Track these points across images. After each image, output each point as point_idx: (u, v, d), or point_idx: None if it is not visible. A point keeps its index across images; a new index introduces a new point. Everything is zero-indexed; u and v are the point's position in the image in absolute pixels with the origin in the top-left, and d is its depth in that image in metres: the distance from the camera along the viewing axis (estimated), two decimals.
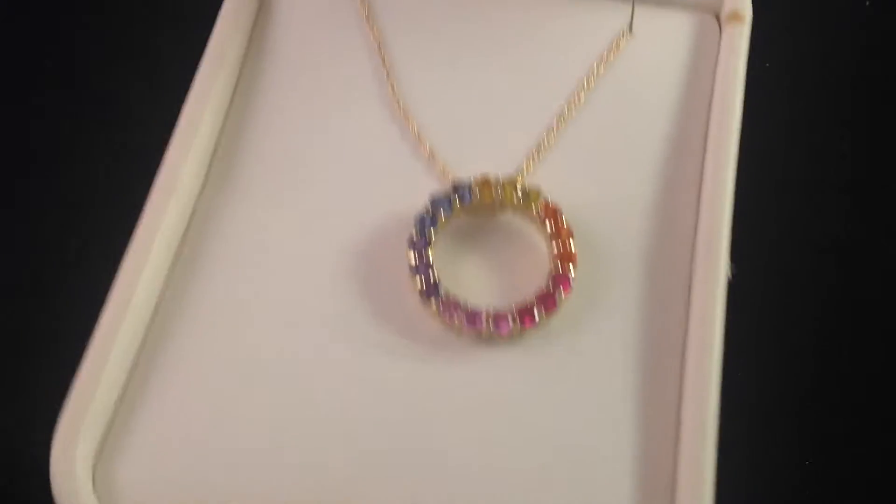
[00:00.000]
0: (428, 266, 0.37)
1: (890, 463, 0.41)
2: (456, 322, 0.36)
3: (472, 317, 0.36)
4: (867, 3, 0.52)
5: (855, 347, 0.44)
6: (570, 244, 0.37)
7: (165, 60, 0.50)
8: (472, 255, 0.38)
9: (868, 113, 0.50)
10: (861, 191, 0.48)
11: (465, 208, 0.38)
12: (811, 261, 0.46)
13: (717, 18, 0.43)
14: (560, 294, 0.37)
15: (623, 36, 0.42)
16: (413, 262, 0.37)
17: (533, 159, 0.40)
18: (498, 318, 0.36)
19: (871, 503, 0.41)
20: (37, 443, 0.35)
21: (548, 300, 0.36)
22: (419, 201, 0.38)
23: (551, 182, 0.39)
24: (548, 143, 0.40)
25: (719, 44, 0.42)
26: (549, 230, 0.38)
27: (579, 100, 0.41)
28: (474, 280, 0.38)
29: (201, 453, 0.35)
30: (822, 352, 0.43)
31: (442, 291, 0.36)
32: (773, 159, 0.48)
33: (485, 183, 0.38)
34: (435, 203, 0.38)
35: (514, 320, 0.36)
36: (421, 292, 0.37)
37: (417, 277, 0.37)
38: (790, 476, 0.41)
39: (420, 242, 0.37)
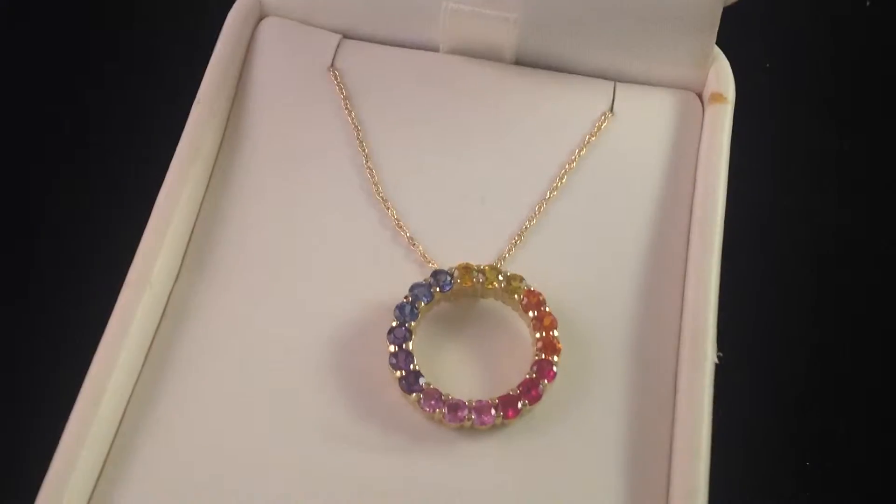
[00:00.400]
0: (408, 356, 0.36)
1: (890, 463, 0.41)
2: (437, 414, 0.35)
3: (454, 408, 0.35)
4: (867, 3, 0.52)
5: (854, 348, 0.44)
6: (553, 333, 0.36)
7: (168, 63, 0.50)
8: (454, 343, 0.38)
9: (868, 113, 0.50)
10: (861, 191, 0.48)
11: (446, 295, 0.37)
12: (811, 261, 0.46)
13: (700, 97, 0.43)
14: (544, 384, 0.36)
15: (605, 116, 0.42)
16: (393, 353, 0.36)
17: (515, 243, 0.39)
18: (480, 410, 0.35)
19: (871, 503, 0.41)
20: None
21: (531, 391, 0.36)
22: (400, 289, 0.37)
23: (534, 266, 0.38)
24: (530, 225, 0.39)
25: (702, 122, 0.42)
26: (532, 318, 0.37)
27: (561, 182, 0.40)
28: (456, 368, 0.37)
29: None
30: (821, 352, 0.43)
31: (422, 382, 0.36)
32: (773, 159, 0.48)
33: (465, 269, 0.37)
34: (415, 291, 0.37)
35: (496, 412, 0.35)
36: (401, 384, 0.36)
37: (397, 369, 0.36)
38: (790, 477, 0.41)
39: (400, 332, 0.36)
